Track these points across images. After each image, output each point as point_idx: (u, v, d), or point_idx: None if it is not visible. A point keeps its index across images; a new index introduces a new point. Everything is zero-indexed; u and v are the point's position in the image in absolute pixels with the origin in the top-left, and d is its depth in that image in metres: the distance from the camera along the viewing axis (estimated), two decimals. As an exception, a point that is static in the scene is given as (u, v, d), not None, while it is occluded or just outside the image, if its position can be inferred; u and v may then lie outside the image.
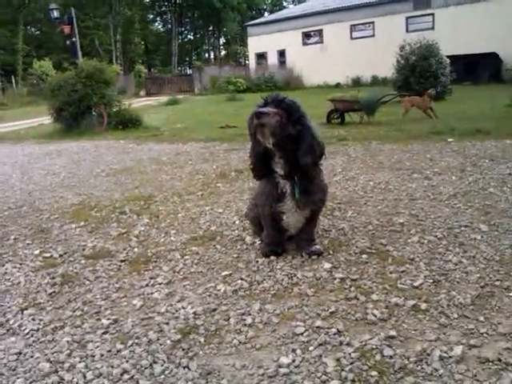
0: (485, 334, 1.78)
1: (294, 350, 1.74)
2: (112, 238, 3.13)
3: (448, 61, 16.25)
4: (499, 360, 1.62)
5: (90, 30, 41.46)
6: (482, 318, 1.88)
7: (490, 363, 1.61)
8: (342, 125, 9.65)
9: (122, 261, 2.72)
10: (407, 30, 23.47)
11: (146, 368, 1.70)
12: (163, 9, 54.26)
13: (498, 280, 2.20)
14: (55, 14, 13.77)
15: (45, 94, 12.56)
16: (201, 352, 1.77)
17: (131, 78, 31.60)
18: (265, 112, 2.24)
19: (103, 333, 1.96)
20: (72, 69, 11.61)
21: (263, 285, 2.29)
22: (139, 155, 6.71)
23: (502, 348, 1.69)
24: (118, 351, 1.82)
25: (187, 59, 57.64)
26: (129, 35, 48.28)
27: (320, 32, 27.36)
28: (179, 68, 53.04)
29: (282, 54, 28.73)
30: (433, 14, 23.36)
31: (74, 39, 12.61)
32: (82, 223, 3.51)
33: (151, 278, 2.44)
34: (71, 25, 13.04)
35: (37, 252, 2.98)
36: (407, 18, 24.02)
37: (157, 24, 57.58)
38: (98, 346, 1.86)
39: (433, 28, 22.92)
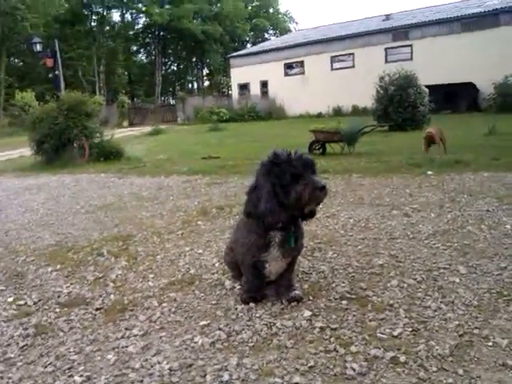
0: (464, 389, 1.76)
1: (271, 411, 1.70)
2: (88, 284, 3.06)
3: (426, 90, 16.67)
4: (479, 418, 1.60)
5: (73, 60, 41.67)
6: (460, 371, 1.86)
7: (470, 422, 1.59)
8: (324, 155, 9.76)
9: (97, 309, 2.65)
10: (386, 61, 24.10)
11: (117, 433, 1.63)
12: (147, 40, 54.89)
13: (476, 328, 2.19)
14: (38, 47, 13.85)
15: (26, 125, 12.50)
16: (175, 414, 1.72)
17: (114, 109, 31.68)
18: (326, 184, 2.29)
19: (75, 392, 1.89)
20: (54, 101, 11.61)
21: (242, 335, 2.24)
22: (120, 190, 6.66)
23: (481, 404, 1.67)
24: (89, 414, 1.75)
25: (171, 89, 58.13)
26: (112, 66, 48.64)
27: (301, 63, 27.93)
28: (162, 98, 53.42)
29: (264, 84, 29.19)
30: (411, 45, 24.04)
31: (56, 72, 12.65)
32: (59, 266, 3.44)
33: (127, 329, 2.38)
34: (54, 58, 13.12)
35: (11, 299, 2.90)
36: (386, 49, 24.67)
37: (140, 55, 58.18)
38: (69, 408, 1.79)
39: (411, 59, 23.55)
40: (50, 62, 12.85)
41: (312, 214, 2.46)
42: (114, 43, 48.40)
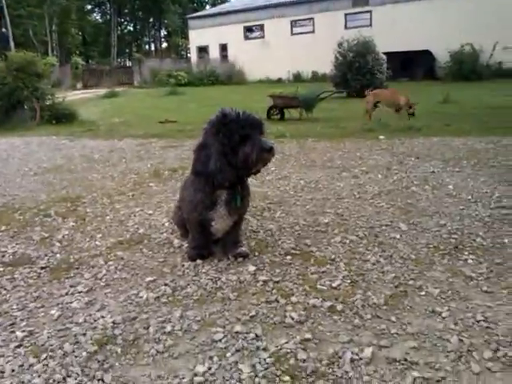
0: (395, 335, 1.86)
1: (211, 358, 1.75)
2: (34, 243, 3.01)
3: (384, 57, 16.82)
4: (405, 360, 1.70)
5: (23, 19, 39.44)
6: (393, 318, 1.97)
7: (397, 363, 1.69)
8: (282, 121, 9.77)
9: (42, 268, 2.62)
10: (346, 27, 24.06)
11: (58, 382, 1.65)
12: (101, -1, 52.65)
13: (411, 279, 2.31)
14: (-19, 2, 13.03)
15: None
16: (117, 363, 1.75)
17: (68, 70, 30.43)
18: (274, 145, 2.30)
19: (16, 346, 1.89)
20: (1, 60, 11.05)
21: (187, 290, 2.28)
22: (71, 152, 6.49)
23: (409, 347, 1.77)
24: (30, 365, 1.76)
25: (127, 51, 56.24)
26: (65, 26, 46.39)
27: (261, 27, 27.53)
28: (119, 60, 51.66)
29: (223, 48, 28.67)
30: (370, 12, 24.04)
31: (3, 30, 11.99)
32: (4, 227, 3.35)
33: (71, 286, 2.37)
34: (0, 14, 12.40)
35: (-49, 260, 2.83)
36: (346, 15, 24.60)
37: (95, 15, 55.76)
38: (9, 361, 1.79)
39: (370, 25, 23.60)
40: (-5, 19, 12.15)
41: (257, 171, 2.48)
42: (67, 1, 46.04)
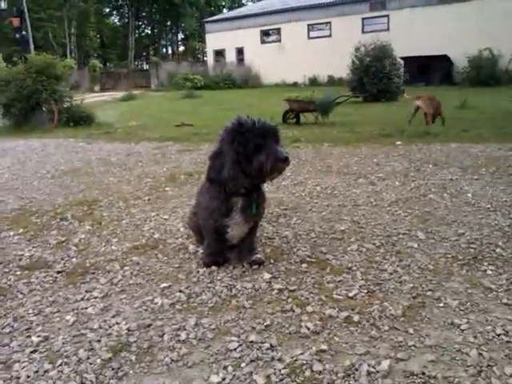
0: (412, 347, 1.83)
1: (225, 367, 1.74)
2: (50, 247, 3.03)
3: (401, 62, 16.71)
4: (423, 373, 1.67)
5: (43, 22, 40.00)
6: (411, 330, 1.94)
7: (415, 376, 1.66)
8: (297, 125, 9.75)
9: (58, 272, 2.64)
10: (363, 31, 23.95)
11: (73, 390, 1.65)
12: (120, 2, 53.09)
13: (429, 290, 2.27)
14: (2, 5, 13.27)
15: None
16: (131, 371, 1.74)
17: (86, 73, 30.80)
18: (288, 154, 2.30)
19: (32, 351, 1.89)
20: (21, 63, 11.22)
21: (201, 297, 2.27)
22: (88, 155, 6.55)
23: (427, 361, 1.74)
24: (45, 372, 1.76)
25: (144, 54, 56.70)
26: (84, 28, 46.95)
27: (278, 30, 27.54)
28: (136, 63, 52.14)
29: (240, 51, 28.73)
30: (388, 16, 23.91)
31: (23, 32, 12.18)
32: (21, 230, 3.39)
33: (87, 292, 2.38)
34: (21, 17, 12.59)
35: (-30, 262, 2.86)
36: (363, 19, 24.49)
37: (113, 18, 56.31)
38: (24, 367, 1.80)
39: (388, 29, 23.46)
40: (16, 22, 12.31)
41: (272, 178, 2.47)
42: (86, 4, 46.58)
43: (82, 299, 2.31)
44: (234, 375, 1.69)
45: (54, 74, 10.88)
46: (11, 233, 3.35)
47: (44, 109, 10.83)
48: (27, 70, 10.63)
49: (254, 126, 2.28)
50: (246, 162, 2.27)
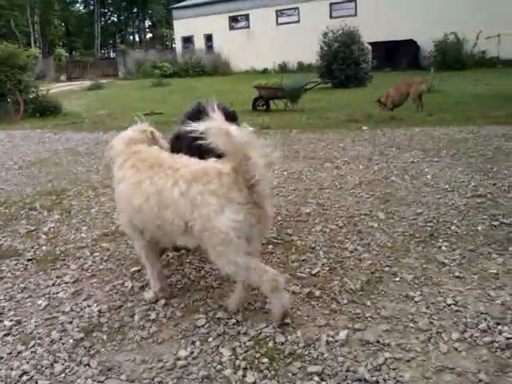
0: (369, 318, 1.96)
1: (193, 342, 1.83)
2: (20, 236, 3.06)
3: (369, 47, 16.87)
4: (378, 342, 1.80)
5: (4, 9, 38.68)
6: (368, 303, 2.07)
7: (370, 345, 1.79)
8: (267, 112, 9.81)
9: (29, 260, 2.68)
10: (331, 17, 24.01)
11: (46, 368, 1.72)
12: (84, -12, 51.80)
13: (387, 266, 2.40)
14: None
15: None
16: (103, 349, 1.82)
17: (51, 62, 30.00)
18: None
19: (5, 335, 1.95)
20: (-18, 52, 10.91)
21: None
22: (55, 145, 6.48)
23: (382, 330, 1.87)
24: (18, 353, 1.82)
25: (111, 42, 55.54)
26: (48, 16, 45.56)
27: (246, 16, 27.36)
28: (102, 51, 51.03)
29: (209, 38, 28.45)
30: (355, 1, 24.02)
31: (-17, 20, 11.76)
32: (-10, 221, 3.39)
33: (58, 277, 2.43)
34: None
35: None
36: (331, 4, 24.55)
37: (78, 5, 54.79)
38: (-2, 350, 1.86)
39: (355, 15, 23.58)
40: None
41: None
42: (49, -9, 45.27)
43: (53, 285, 2.36)
44: (202, 349, 1.79)
45: (17, 64, 10.63)
46: (-21, 223, 3.34)
47: (9, 100, 10.58)
48: (-11, 60, 10.36)
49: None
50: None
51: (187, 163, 1.93)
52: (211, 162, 1.89)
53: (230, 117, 2.38)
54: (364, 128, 6.54)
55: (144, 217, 1.96)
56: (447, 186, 3.64)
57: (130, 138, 2.19)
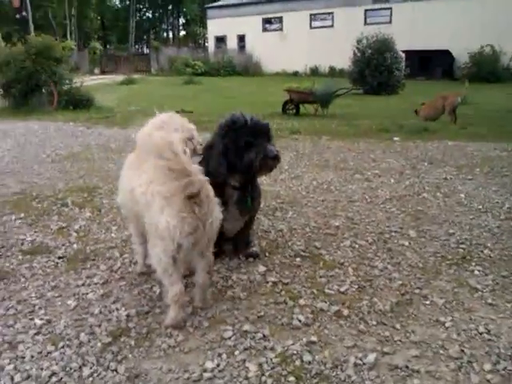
0: (398, 342, 1.93)
1: (219, 355, 1.83)
2: (52, 233, 3.11)
3: (403, 55, 16.70)
4: (407, 367, 1.76)
5: (43, 1, 39.51)
6: (398, 326, 2.03)
7: (399, 370, 1.76)
8: (297, 116, 9.79)
9: (59, 257, 2.72)
10: (365, 23, 23.85)
11: (74, 370, 1.74)
12: (121, -16, 52.54)
13: (417, 288, 2.36)
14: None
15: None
16: (130, 355, 1.83)
17: (86, 55, 30.58)
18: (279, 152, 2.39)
19: (35, 333, 1.98)
20: (21, 44, 11.16)
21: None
22: (88, 140, 6.59)
23: (411, 356, 1.84)
24: (48, 353, 1.85)
25: (145, 38, 56.22)
26: (84, 9, 46.40)
27: (280, 19, 27.38)
28: (136, 47, 51.72)
29: (241, 38, 28.57)
30: (391, 9, 23.80)
31: (24, 13, 12.06)
32: (23, 214, 3.45)
33: (88, 277, 2.46)
34: (21, -3, 12.50)
35: (-28, 245, 2.93)
36: (366, 11, 24.38)
37: (114, 0, 55.65)
38: (28, 347, 1.89)
39: (390, 22, 23.37)
40: (16, 2, 12.22)
41: (262, 174, 2.56)
42: (87, -16, 46.06)
43: (83, 285, 2.40)
44: (228, 362, 1.79)
45: (53, 55, 10.84)
46: (13, 217, 3.42)
47: (44, 91, 10.80)
48: (27, 52, 10.59)
49: (246, 124, 2.37)
50: (236, 157, 2.36)
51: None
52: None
53: (264, 130, 2.39)
54: (395, 139, 6.46)
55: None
56: (481, 207, 3.57)
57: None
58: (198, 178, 1.87)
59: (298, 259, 2.67)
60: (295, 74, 24.86)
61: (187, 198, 1.87)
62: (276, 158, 2.38)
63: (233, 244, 2.78)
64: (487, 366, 1.77)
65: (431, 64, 21.12)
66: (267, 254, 2.74)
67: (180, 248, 1.93)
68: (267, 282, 2.41)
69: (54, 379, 1.70)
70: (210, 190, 1.99)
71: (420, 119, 8.63)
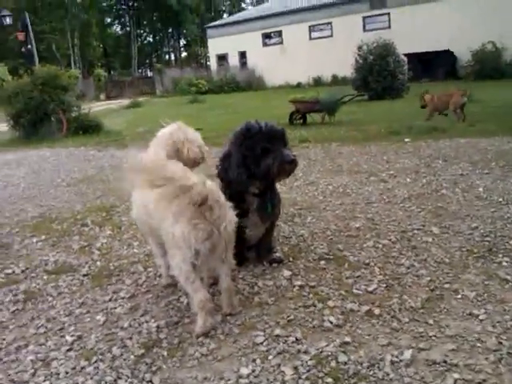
0: (433, 337, 1.89)
1: (253, 360, 1.81)
2: (74, 252, 3.12)
3: (405, 59, 16.71)
4: (445, 362, 1.73)
5: (45, 34, 40.28)
6: (431, 321, 2.00)
7: (437, 365, 1.72)
8: (304, 125, 9.81)
9: (84, 275, 2.73)
10: (364, 30, 23.96)
11: (110, 384, 1.73)
12: (121, 12, 53.39)
13: (447, 283, 2.33)
14: (8, 20, 13.44)
15: (1, 100, 12.24)
16: (164, 366, 1.82)
17: (91, 82, 31.02)
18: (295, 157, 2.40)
19: (67, 350, 1.98)
20: (27, 76, 11.36)
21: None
22: (101, 163, 6.65)
23: (448, 350, 1.80)
24: (82, 368, 1.84)
25: (147, 61, 56.92)
26: (87, 39, 47.23)
27: (279, 33, 27.63)
28: (140, 71, 52.35)
29: (242, 55, 28.83)
30: (388, 14, 23.90)
31: (29, 46, 12.29)
32: (44, 237, 3.48)
33: (114, 293, 2.46)
34: (25, 31, 12.75)
35: (-3, 269, 2.95)
36: (364, 18, 24.50)
37: (115, 27, 56.56)
38: (62, 364, 1.88)
39: (389, 27, 23.45)
40: (21, 36, 12.49)
41: (280, 179, 2.56)
42: (87, 15, 46.87)
43: (110, 300, 2.39)
44: (263, 367, 1.77)
45: (60, 84, 11.03)
46: (34, 239, 3.44)
47: (53, 119, 10.95)
48: (33, 82, 10.77)
49: (261, 130, 2.38)
50: (254, 164, 2.37)
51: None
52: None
53: (279, 135, 2.39)
54: (406, 140, 6.44)
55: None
56: (501, 199, 3.53)
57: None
58: (199, 188, 1.88)
59: (322, 262, 2.65)
60: (298, 85, 24.97)
61: (196, 206, 1.89)
62: (293, 163, 2.38)
63: (256, 251, 2.77)
64: (528, 356, 1.73)
65: (434, 65, 21.09)
66: (291, 259, 2.72)
67: (198, 254, 1.94)
68: (294, 286, 2.39)
69: (90, 394, 1.69)
70: (219, 195, 2.01)
71: (428, 112, 8.61)
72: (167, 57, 59.99)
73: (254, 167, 2.39)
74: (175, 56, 59.72)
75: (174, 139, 2.36)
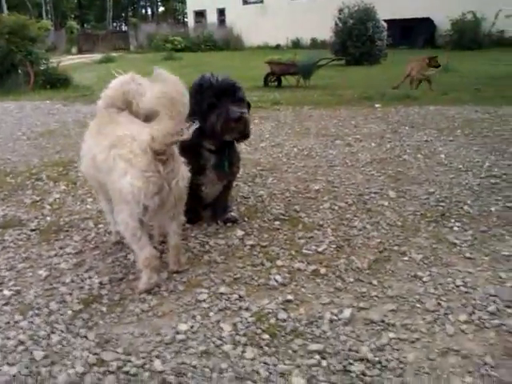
0: (375, 297, 1.90)
1: (193, 317, 1.79)
2: (25, 206, 3.03)
3: (385, 25, 16.51)
4: (382, 321, 1.74)
5: (16, -20, 38.38)
6: (375, 282, 2.01)
7: (374, 324, 1.74)
8: (279, 88, 9.68)
9: (32, 230, 2.65)
10: (346, -7, 23.50)
11: (43, 339, 1.69)
12: (98, -41, 51.07)
13: (396, 245, 2.34)
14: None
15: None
16: (101, 321, 1.79)
17: (63, 35, 29.87)
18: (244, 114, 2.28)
19: (4, 304, 1.92)
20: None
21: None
22: (65, 117, 6.44)
23: (387, 310, 1.82)
24: (15, 322, 1.79)
25: (123, 15, 54.99)
26: (60, -13, 45.26)
27: (260, -9, 26.91)
28: (114, 24, 50.55)
29: (221, 12, 28.07)
30: (372, -23, 23.42)
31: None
32: (-5, 190, 3.36)
33: (61, 248, 2.40)
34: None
35: None
36: (347, -20, 23.98)
37: (90, -23, 54.19)
38: (-4, 319, 1.83)
39: (372, -9, 23.03)
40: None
41: (245, 136, 2.47)
42: (62, -38, 44.79)
43: (56, 255, 2.33)
44: (202, 323, 1.75)
45: (28, 35, 10.55)
46: (-16, 193, 3.32)
47: (20, 71, 10.53)
48: (0, 31, 10.29)
49: (212, 85, 2.28)
50: (201, 121, 2.28)
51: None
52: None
53: (229, 90, 2.31)
54: (377, 105, 6.40)
55: None
56: (461, 166, 3.55)
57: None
58: (161, 137, 1.80)
59: (276, 223, 2.63)
60: (277, 47, 24.51)
61: (154, 155, 1.81)
62: (240, 120, 2.29)
63: (211, 210, 2.73)
64: (463, 317, 1.76)
65: (413, 33, 20.91)
66: (246, 219, 2.69)
67: (146, 210, 1.87)
68: (245, 246, 2.37)
69: (20, 348, 1.64)
70: (173, 148, 1.92)
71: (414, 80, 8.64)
72: (143, 11, 58.07)
73: (202, 123, 2.29)
74: (152, 11, 57.85)
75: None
